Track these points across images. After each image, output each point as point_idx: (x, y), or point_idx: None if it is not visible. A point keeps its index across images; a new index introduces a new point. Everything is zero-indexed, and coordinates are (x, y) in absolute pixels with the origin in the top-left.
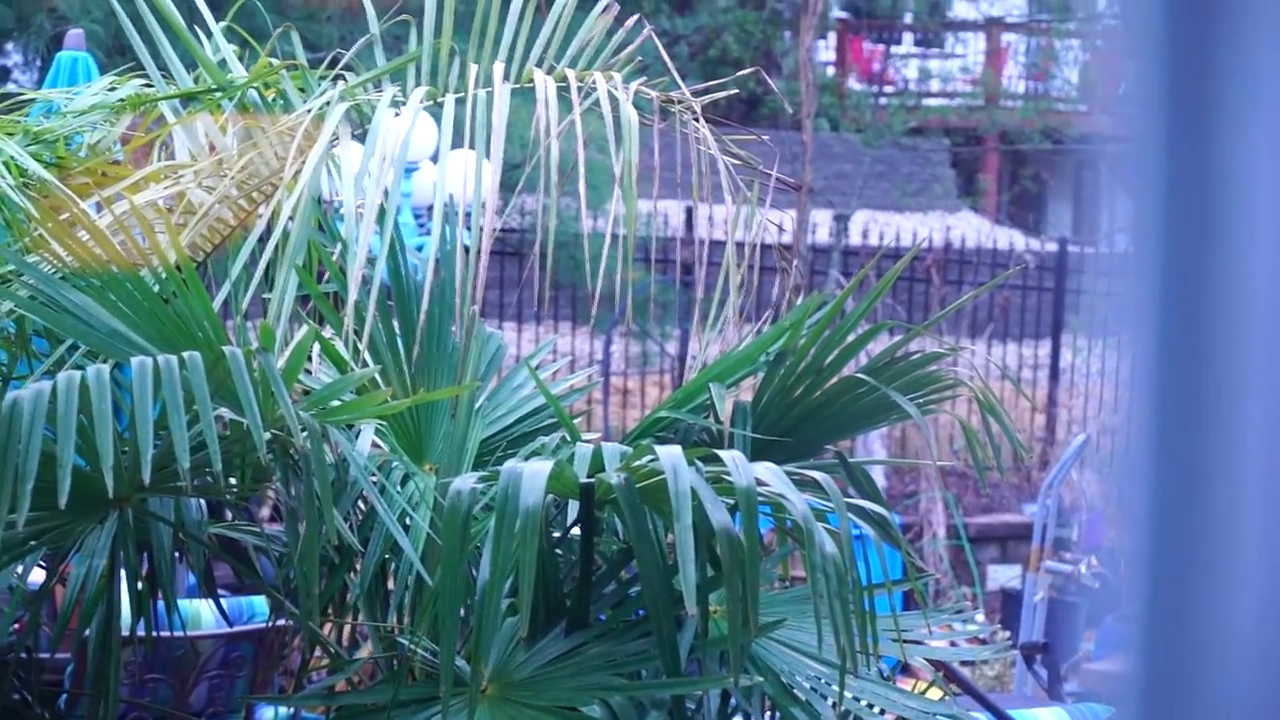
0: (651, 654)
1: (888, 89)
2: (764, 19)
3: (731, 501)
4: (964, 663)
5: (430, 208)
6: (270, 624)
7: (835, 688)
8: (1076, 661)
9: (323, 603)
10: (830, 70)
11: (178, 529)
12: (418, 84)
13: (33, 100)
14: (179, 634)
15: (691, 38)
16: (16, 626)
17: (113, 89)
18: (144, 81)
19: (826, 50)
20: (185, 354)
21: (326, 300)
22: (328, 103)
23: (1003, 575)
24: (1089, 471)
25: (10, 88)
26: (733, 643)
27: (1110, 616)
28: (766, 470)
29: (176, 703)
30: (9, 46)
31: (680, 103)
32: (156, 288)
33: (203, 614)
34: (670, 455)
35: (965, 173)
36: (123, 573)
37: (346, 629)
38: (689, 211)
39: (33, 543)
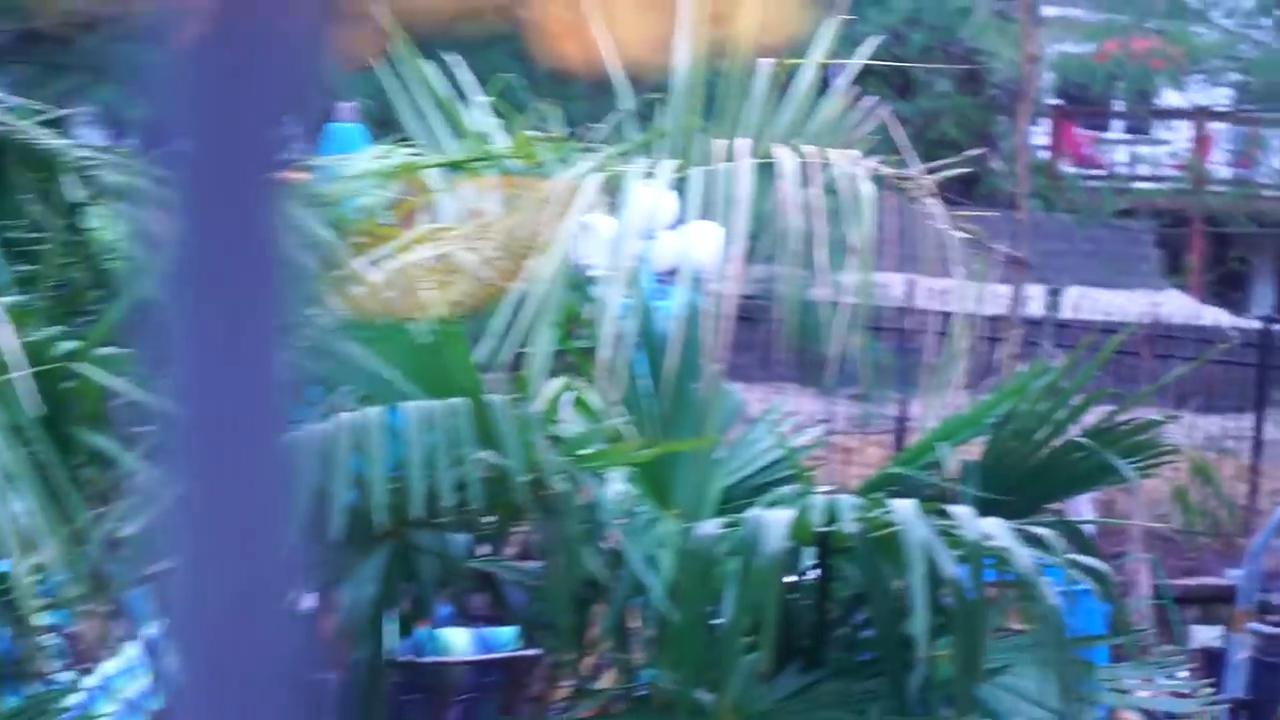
0: (881, 693)
1: (1098, 172)
2: (981, 104)
3: (959, 553)
4: (1170, 714)
5: (669, 272)
6: (519, 652)
7: None
8: None
9: (571, 635)
10: (1044, 153)
11: (442, 561)
12: (664, 157)
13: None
14: (437, 659)
15: (913, 120)
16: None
17: (383, 158)
18: (411, 151)
19: (1040, 135)
20: (453, 400)
21: (579, 354)
22: (583, 173)
23: (1204, 635)
24: None
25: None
26: (959, 686)
27: None
28: (994, 525)
29: None
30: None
31: (913, 180)
32: (424, 340)
33: (455, 642)
34: (905, 509)
35: (1172, 253)
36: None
37: (587, 659)
38: (909, 282)
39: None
